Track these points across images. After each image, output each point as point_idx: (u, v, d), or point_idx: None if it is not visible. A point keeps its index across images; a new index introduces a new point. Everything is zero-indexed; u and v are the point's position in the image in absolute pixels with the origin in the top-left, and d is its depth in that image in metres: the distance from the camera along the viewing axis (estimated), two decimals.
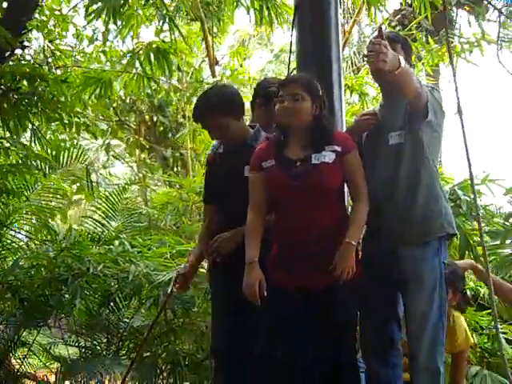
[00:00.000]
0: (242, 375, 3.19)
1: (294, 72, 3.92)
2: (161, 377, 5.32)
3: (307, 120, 3.00)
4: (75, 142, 6.30)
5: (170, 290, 4.44)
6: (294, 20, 3.78)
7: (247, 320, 3.16)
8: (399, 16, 9.45)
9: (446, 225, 3.07)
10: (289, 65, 4.16)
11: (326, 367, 2.95)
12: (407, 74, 2.85)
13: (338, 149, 2.99)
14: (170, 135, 7.47)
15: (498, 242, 6.18)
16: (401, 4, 8.49)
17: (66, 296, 4.68)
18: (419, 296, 3.02)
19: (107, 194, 6.07)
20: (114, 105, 7.17)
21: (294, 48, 3.83)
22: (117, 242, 4.78)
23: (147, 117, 7.49)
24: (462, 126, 3.19)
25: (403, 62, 2.82)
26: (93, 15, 4.54)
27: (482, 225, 5.48)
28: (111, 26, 5.48)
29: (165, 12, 4.61)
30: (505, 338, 4.90)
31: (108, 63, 5.95)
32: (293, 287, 2.98)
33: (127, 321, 5.44)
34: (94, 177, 7.61)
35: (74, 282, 4.54)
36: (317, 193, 2.96)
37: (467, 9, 8.30)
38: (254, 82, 5.64)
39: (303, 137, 3.04)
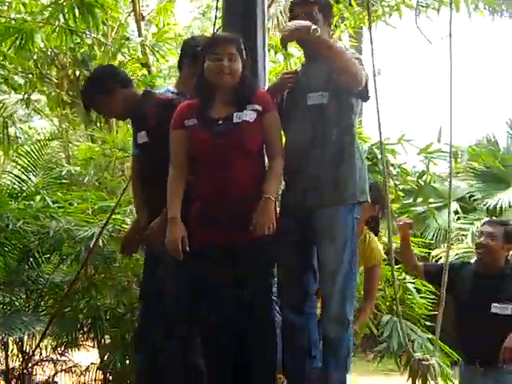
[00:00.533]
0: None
1: (220, 30, 3.97)
2: (81, 331, 5.35)
3: (237, 80, 3.08)
4: None
5: (92, 245, 4.50)
6: None
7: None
8: None
9: (357, 193, 3.23)
10: (214, 23, 4.20)
11: (245, 322, 3.10)
12: (337, 52, 3.01)
13: (259, 108, 3.10)
14: None
15: (411, 200, 6.54)
16: None
17: None
18: (331, 250, 3.20)
19: (27, 148, 5.96)
20: (35, 57, 6.93)
21: (219, 5, 3.88)
22: (38, 198, 4.73)
23: (70, 71, 7.32)
24: (375, 90, 3.33)
25: (318, 30, 2.94)
26: None
27: (397, 182, 5.80)
28: None
29: None
30: (415, 288, 5.26)
31: (28, 15, 5.76)
32: (214, 244, 3.09)
33: (47, 277, 5.39)
34: (12, 131, 7.43)
35: None
36: (238, 151, 3.05)
37: None
38: (181, 39, 5.61)
39: (227, 96, 3.11)
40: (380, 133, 3.66)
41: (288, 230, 3.21)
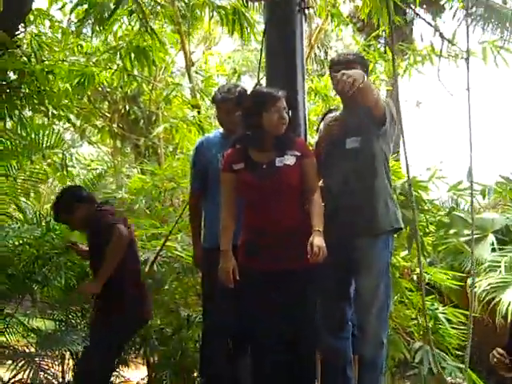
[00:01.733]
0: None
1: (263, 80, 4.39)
2: (133, 348, 5.75)
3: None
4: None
5: (147, 269, 4.93)
6: (264, 32, 4.23)
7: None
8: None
9: (392, 221, 3.62)
10: (259, 70, 4.61)
11: (291, 346, 3.47)
12: (368, 87, 3.36)
13: (298, 153, 3.52)
14: (141, 124, 7.85)
15: (442, 233, 6.86)
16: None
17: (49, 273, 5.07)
18: (368, 280, 3.57)
19: (85, 178, 6.43)
20: (89, 93, 7.48)
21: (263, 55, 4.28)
22: None
23: (120, 106, 7.83)
24: (402, 135, 3.73)
25: (365, 77, 3.33)
26: (80, 22, 4.96)
27: (428, 217, 6.13)
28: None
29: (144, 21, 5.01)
30: (446, 318, 5.53)
31: (81, 56, 6.28)
32: (260, 271, 3.48)
33: None
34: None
35: (57, 260, 4.95)
36: (280, 191, 3.47)
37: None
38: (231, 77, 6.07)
39: (272, 142, 3.54)
40: (408, 171, 4.06)
41: (328, 262, 3.59)
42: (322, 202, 3.61)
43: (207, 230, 4.06)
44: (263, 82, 4.31)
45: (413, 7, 4.89)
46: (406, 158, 3.79)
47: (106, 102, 7.87)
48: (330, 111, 4.02)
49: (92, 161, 8.82)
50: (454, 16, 6.32)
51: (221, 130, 4.18)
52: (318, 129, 4.03)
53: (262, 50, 4.24)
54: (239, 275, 3.44)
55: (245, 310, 3.58)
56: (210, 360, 3.93)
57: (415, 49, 6.19)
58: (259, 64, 4.37)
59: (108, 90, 7.52)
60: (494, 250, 9.76)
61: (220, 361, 3.89)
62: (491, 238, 9.36)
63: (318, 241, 3.32)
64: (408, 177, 3.93)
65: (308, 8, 4.12)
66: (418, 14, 4.94)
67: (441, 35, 4.32)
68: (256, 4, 6.27)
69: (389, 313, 3.79)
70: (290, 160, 3.50)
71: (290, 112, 3.60)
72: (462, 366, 5.07)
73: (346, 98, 3.64)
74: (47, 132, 5.81)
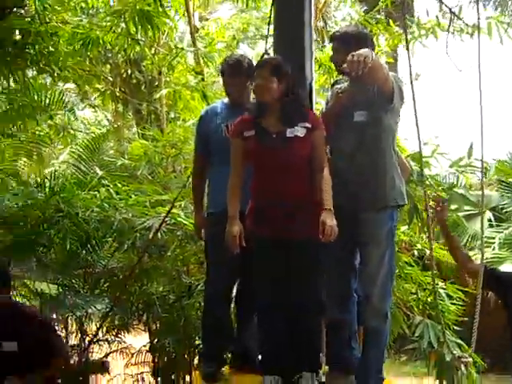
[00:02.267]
0: None
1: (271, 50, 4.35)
2: (136, 314, 5.80)
3: (276, 97, 3.48)
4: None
5: (151, 236, 4.94)
6: (273, 3, 4.17)
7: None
8: None
9: (397, 197, 3.63)
10: (266, 41, 4.56)
11: (297, 316, 3.47)
12: (377, 65, 3.31)
13: (309, 125, 3.49)
14: (143, 88, 7.78)
15: None
16: None
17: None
18: (375, 253, 3.60)
19: (86, 141, 6.41)
20: (91, 55, 7.38)
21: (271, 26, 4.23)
22: (103, 189, 5.17)
23: (122, 70, 7.74)
24: (415, 109, 3.71)
25: (374, 55, 3.29)
26: None
27: (429, 192, 6.16)
28: None
29: None
30: (446, 293, 5.59)
31: (84, 17, 6.20)
32: (266, 239, 3.47)
33: (103, 262, 5.81)
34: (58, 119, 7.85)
35: (62, 224, 4.95)
36: (290, 161, 3.45)
37: None
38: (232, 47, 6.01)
39: (279, 112, 3.51)
40: (420, 148, 4.04)
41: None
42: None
43: (211, 197, 4.04)
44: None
45: None
46: (418, 134, 3.77)
47: (108, 66, 7.76)
48: (337, 82, 3.98)
49: (90, 125, 8.80)
50: None
51: (225, 99, 4.16)
52: (326, 101, 4.00)
53: (270, 18, 4.19)
54: (246, 241, 3.45)
55: (250, 277, 3.59)
56: (213, 328, 3.92)
57: (419, 22, 6.11)
58: (267, 32, 4.31)
59: (110, 53, 7.42)
60: (491, 225, 9.92)
61: (223, 328, 3.91)
62: (488, 214, 9.48)
63: (329, 220, 3.33)
64: (421, 155, 3.92)
65: None
66: None
67: (450, 11, 4.26)
68: None
69: (392, 285, 3.83)
70: (300, 131, 3.48)
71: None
72: (461, 342, 5.14)
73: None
74: (50, 92, 5.76)
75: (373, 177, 3.58)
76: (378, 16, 7.21)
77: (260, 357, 3.64)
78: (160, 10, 5.70)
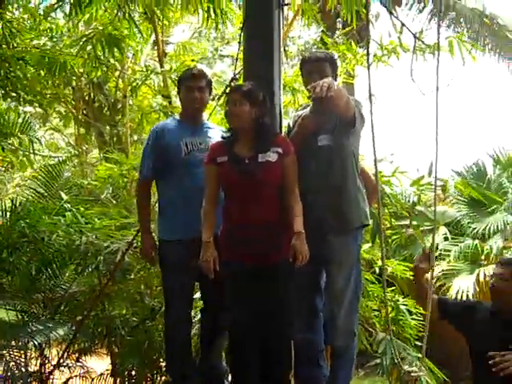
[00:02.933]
0: None
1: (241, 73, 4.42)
2: (98, 338, 5.75)
3: (249, 123, 3.56)
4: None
5: (118, 259, 4.95)
6: (242, 29, 4.24)
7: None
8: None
9: (363, 218, 3.76)
10: (235, 71, 4.64)
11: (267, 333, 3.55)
12: (340, 94, 3.42)
13: (280, 150, 3.58)
14: (106, 111, 7.78)
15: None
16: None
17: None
18: (341, 273, 3.70)
19: (49, 166, 6.37)
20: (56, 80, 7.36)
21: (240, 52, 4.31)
22: (69, 213, 5.16)
23: (85, 93, 7.73)
24: (373, 132, 3.83)
25: (336, 84, 3.41)
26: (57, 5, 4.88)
27: (392, 210, 6.31)
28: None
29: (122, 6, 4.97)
30: (407, 310, 5.71)
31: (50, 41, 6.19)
32: (238, 264, 3.55)
33: (64, 287, 5.77)
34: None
35: (26, 249, 4.92)
36: (262, 186, 3.54)
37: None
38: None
39: (251, 137, 3.60)
40: (376, 168, 4.15)
41: None
42: None
43: (168, 221, 3.91)
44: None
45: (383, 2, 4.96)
46: (374, 154, 3.88)
47: (70, 88, 7.74)
48: (303, 108, 4.08)
49: (51, 149, 8.74)
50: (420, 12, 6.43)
51: (176, 116, 4.15)
52: (291, 124, 4.08)
53: (239, 43, 4.27)
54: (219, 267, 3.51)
55: (222, 302, 3.66)
56: (177, 355, 3.93)
57: (381, 43, 6.26)
58: (236, 57, 4.40)
59: (74, 76, 7.41)
60: (446, 239, 10.21)
61: (186, 354, 3.93)
62: (443, 229, 9.77)
63: (300, 243, 3.43)
64: (376, 175, 4.03)
65: (287, 4, 4.16)
66: (391, 12, 4.98)
67: (414, 36, 4.43)
68: None
69: (359, 302, 3.92)
70: (272, 156, 3.57)
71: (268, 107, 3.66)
72: (420, 355, 5.27)
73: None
74: (13, 117, 5.73)
75: (339, 200, 3.70)
76: (337, 37, 7.38)
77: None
78: (130, 32, 5.73)
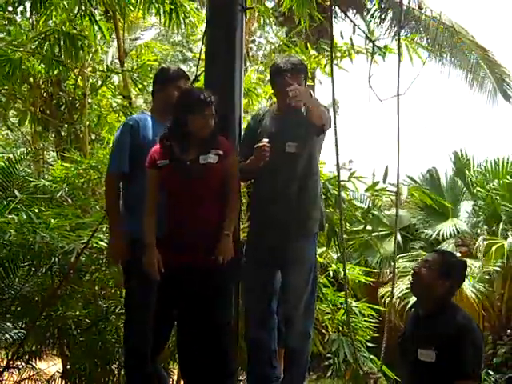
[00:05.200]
0: None
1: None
2: (50, 340, 5.67)
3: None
4: None
5: (73, 260, 4.89)
6: (205, 32, 4.27)
7: None
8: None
9: (323, 223, 3.89)
10: (197, 67, 4.66)
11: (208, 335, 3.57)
12: (315, 108, 3.54)
13: (221, 152, 3.62)
14: (63, 109, 7.67)
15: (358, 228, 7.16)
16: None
17: None
18: (299, 277, 3.80)
19: (2, 163, 6.26)
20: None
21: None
22: (22, 213, 5.07)
23: (42, 90, 7.61)
24: (336, 140, 3.91)
25: (313, 96, 3.47)
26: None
27: (347, 215, 6.37)
28: None
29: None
30: (359, 312, 5.81)
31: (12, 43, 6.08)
32: (178, 265, 3.58)
33: (16, 287, 5.64)
34: None
35: None
36: (203, 188, 3.59)
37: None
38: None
39: (193, 141, 3.62)
40: (338, 175, 4.23)
41: (260, 259, 3.77)
42: (257, 203, 3.73)
43: (135, 222, 3.79)
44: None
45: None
46: (337, 159, 3.95)
47: (27, 85, 7.60)
48: (263, 111, 4.11)
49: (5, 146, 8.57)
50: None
51: (148, 113, 4.13)
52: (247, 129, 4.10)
53: (201, 48, 4.28)
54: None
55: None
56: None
57: (335, 45, 6.29)
58: (198, 60, 4.41)
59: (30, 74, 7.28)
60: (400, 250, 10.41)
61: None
62: (397, 235, 9.94)
63: (224, 245, 3.52)
64: (339, 182, 4.10)
65: (249, 8, 4.19)
66: (346, 14, 5.05)
67: (373, 43, 4.49)
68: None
69: (315, 305, 3.99)
70: (213, 158, 3.61)
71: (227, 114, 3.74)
72: (373, 357, 5.37)
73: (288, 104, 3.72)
74: None
75: (300, 205, 3.77)
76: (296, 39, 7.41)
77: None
78: (90, 31, 5.68)
